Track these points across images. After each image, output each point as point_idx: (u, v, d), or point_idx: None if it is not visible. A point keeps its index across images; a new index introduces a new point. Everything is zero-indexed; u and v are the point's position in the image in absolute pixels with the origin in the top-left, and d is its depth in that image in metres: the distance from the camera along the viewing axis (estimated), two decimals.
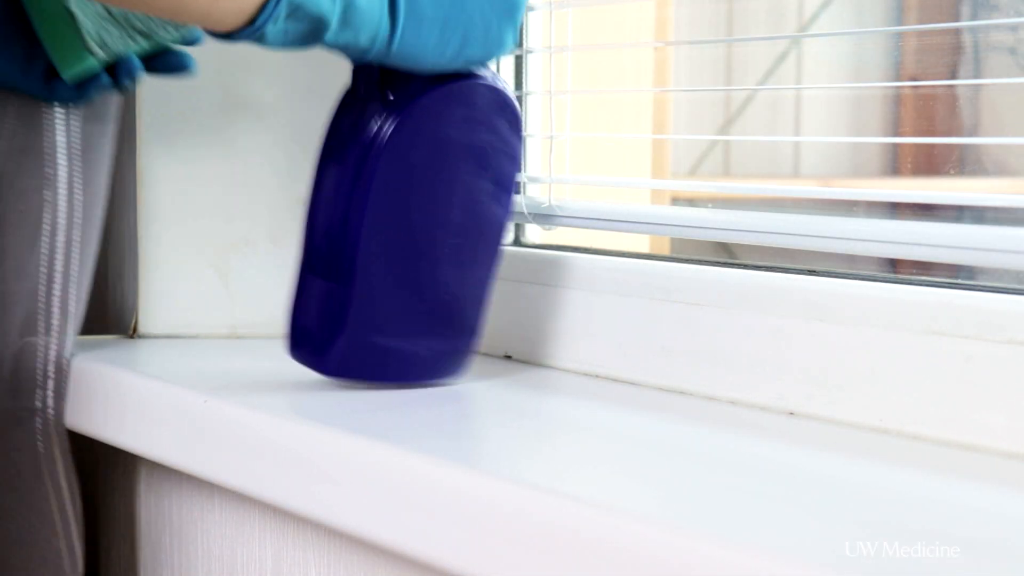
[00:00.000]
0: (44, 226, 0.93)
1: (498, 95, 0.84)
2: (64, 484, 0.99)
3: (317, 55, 1.04)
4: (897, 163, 1.00)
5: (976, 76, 0.88)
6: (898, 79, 0.90)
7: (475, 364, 0.94)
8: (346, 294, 0.81)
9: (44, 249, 0.94)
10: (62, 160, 0.92)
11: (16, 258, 0.92)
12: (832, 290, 0.77)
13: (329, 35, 0.78)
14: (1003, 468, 0.66)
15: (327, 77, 1.04)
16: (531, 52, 0.98)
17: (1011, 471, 0.66)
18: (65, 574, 0.98)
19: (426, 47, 0.81)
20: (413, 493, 0.66)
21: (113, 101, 0.97)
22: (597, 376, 0.89)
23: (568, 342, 0.91)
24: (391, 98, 0.82)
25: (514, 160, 0.85)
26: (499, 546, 0.61)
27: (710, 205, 0.95)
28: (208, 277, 1.04)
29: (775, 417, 0.77)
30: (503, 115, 0.84)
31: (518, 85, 1.01)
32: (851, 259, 0.81)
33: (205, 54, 0.99)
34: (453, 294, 0.84)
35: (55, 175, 0.92)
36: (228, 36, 0.77)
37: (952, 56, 0.87)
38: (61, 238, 0.94)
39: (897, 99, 0.96)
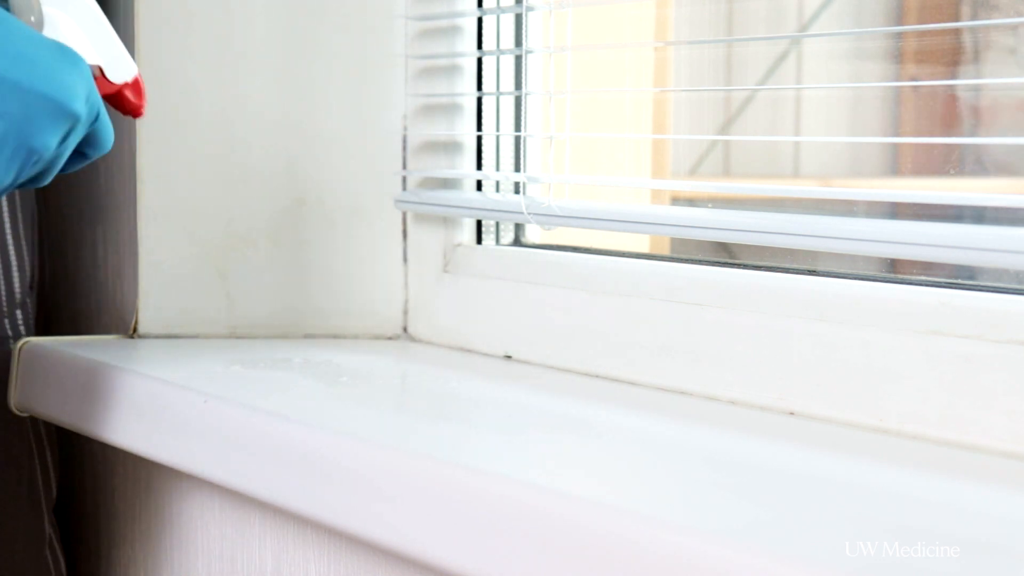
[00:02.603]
0: None
1: None
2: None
3: (317, 54, 1.04)
4: (897, 163, 1.00)
5: (976, 76, 0.88)
6: (898, 79, 0.90)
7: (476, 364, 0.94)
8: None
9: None
10: None
11: None
12: (832, 290, 0.77)
13: None
14: (1003, 468, 0.66)
15: (328, 76, 1.05)
16: (531, 52, 0.98)
17: (1011, 471, 0.66)
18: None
19: None
20: (412, 493, 0.66)
21: None
22: (597, 376, 0.89)
23: (568, 342, 0.91)
24: None
25: None
26: (499, 546, 0.61)
27: (710, 205, 0.95)
28: (208, 277, 1.04)
29: (775, 417, 0.77)
30: None
31: (518, 85, 1.01)
32: (851, 259, 0.81)
33: (205, 53, 0.99)
34: None
35: None
36: None
37: (952, 56, 0.87)
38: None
39: (897, 99, 0.96)
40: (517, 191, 1.01)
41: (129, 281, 1.05)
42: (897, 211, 0.84)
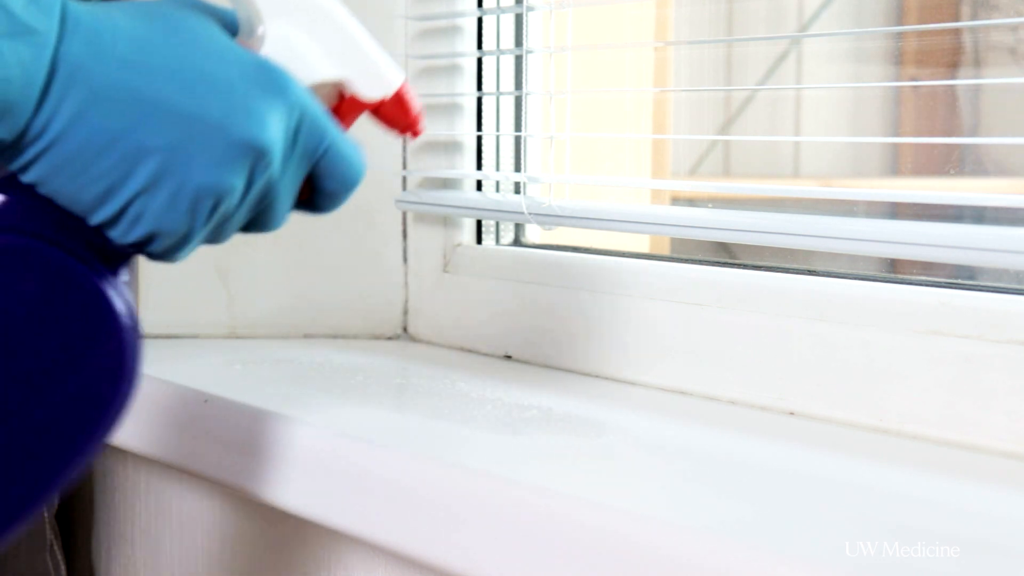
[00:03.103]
0: None
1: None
2: None
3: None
4: (897, 163, 1.00)
5: (976, 76, 0.88)
6: (898, 79, 0.90)
7: (476, 364, 0.94)
8: None
9: None
10: None
11: None
12: (832, 290, 0.77)
13: None
14: (1003, 468, 0.66)
15: None
16: (531, 52, 0.98)
17: (1011, 471, 0.66)
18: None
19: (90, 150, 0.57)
20: (412, 493, 0.66)
21: None
22: (597, 376, 0.89)
23: (568, 342, 0.91)
24: None
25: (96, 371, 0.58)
26: (498, 545, 0.61)
27: (710, 205, 0.95)
28: (208, 277, 1.04)
29: (775, 417, 0.77)
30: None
31: (518, 85, 1.01)
32: (851, 259, 0.81)
33: None
34: None
35: None
36: None
37: (952, 56, 0.87)
38: None
39: (897, 99, 0.96)
40: (517, 191, 1.01)
41: (129, 281, 1.05)
42: (897, 211, 0.85)
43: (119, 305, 0.59)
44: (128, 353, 0.59)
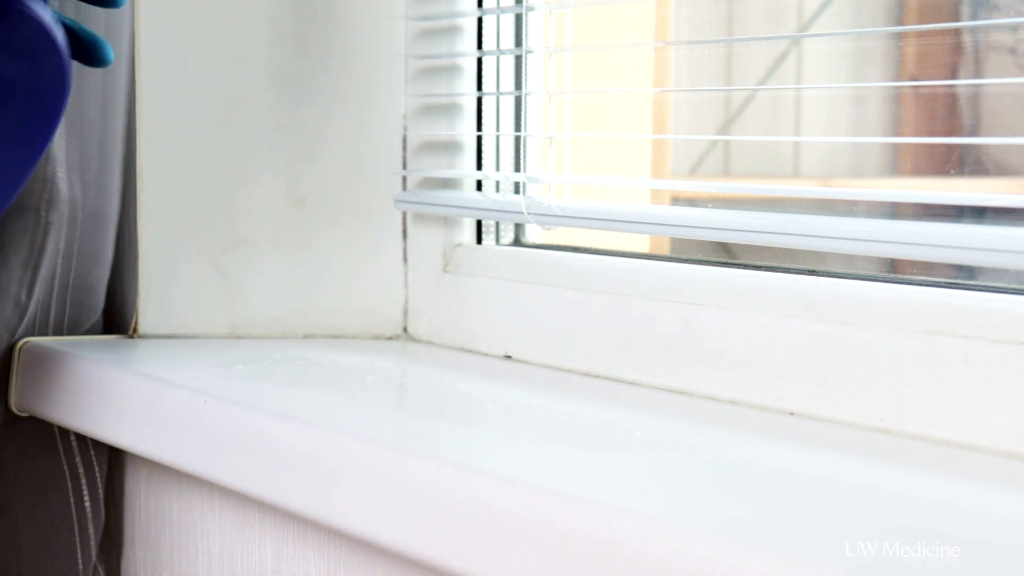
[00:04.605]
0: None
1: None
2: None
3: (318, 54, 1.04)
4: (897, 163, 1.00)
5: (976, 76, 0.88)
6: (898, 79, 0.90)
7: (476, 364, 0.94)
8: None
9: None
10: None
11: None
12: (832, 290, 0.77)
13: None
14: (1003, 468, 0.66)
15: (328, 76, 1.05)
16: (531, 52, 0.98)
17: (1011, 471, 0.66)
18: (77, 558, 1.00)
19: None
20: (413, 493, 0.66)
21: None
22: (598, 376, 0.89)
23: (568, 342, 0.91)
24: None
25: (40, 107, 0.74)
26: (499, 546, 0.61)
27: (710, 205, 0.95)
28: (208, 277, 1.04)
29: (775, 417, 0.77)
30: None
31: (518, 85, 1.01)
32: (851, 259, 0.81)
33: (206, 53, 0.99)
34: None
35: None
36: None
37: (952, 56, 0.87)
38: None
39: (897, 99, 0.96)
40: (517, 191, 1.01)
41: (129, 281, 1.05)
42: (897, 211, 0.84)
43: (56, 31, 0.74)
44: (65, 64, 0.75)
